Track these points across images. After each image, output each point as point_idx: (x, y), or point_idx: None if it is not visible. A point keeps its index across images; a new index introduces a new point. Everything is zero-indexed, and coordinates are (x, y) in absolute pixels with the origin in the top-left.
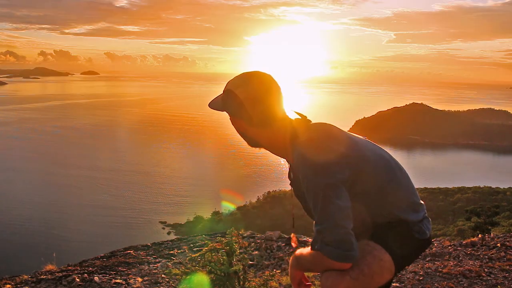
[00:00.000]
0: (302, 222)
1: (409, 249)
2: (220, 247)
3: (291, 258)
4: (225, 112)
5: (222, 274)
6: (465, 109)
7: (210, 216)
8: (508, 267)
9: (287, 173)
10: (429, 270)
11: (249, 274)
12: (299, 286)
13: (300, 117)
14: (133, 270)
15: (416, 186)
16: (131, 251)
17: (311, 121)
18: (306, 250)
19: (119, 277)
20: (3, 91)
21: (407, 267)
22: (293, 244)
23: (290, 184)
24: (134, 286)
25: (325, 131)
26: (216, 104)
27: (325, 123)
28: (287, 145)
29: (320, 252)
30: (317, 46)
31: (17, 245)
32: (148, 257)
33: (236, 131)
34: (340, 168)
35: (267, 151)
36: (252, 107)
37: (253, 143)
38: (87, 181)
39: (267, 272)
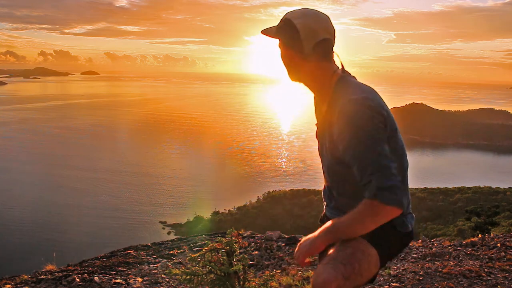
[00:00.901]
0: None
1: (392, 242)
2: (220, 247)
3: (322, 229)
4: (275, 40)
5: (222, 274)
6: (465, 109)
7: (210, 216)
8: (508, 267)
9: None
10: (429, 270)
11: (249, 274)
12: (304, 262)
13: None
14: (133, 270)
15: (416, 186)
16: (131, 251)
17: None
18: (340, 218)
19: (119, 277)
20: (3, 91)
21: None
22: (302, 264)
23: (316, 132)
24: (134, 286)
25: (371, 88)
26: (269, 31)
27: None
28: (329, 86)
29: (370, 204)
30: None
31: (17, 245)
32: (148, 257)
33: (281, 63)
34: (386, 122)
35: (304, 85)
36: (306, 39)
37: (295, 75)
38: (87, 181)
39: (267, 272)
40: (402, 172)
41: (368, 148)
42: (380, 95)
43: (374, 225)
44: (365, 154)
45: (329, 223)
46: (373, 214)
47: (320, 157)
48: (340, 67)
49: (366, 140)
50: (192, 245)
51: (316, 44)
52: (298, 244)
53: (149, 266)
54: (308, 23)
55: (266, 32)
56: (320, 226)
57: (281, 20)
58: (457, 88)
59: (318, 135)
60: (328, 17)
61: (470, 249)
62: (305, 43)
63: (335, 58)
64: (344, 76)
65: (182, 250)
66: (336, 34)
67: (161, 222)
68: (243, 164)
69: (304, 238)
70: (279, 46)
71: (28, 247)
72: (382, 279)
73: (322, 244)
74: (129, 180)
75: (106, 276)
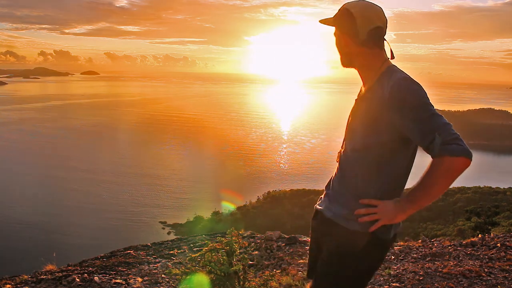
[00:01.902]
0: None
1: (372, 255)
2: (220, 247)
3: (399, 203)
4: (332, 27)
5: (222, 274)
6: (465, 109)
7: (210, 216)
8: (508, 267)
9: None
10: (429, 270)
11: (249, 274)
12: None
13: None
14: (133, 270)
15: None
16: (131, 251)
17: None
18: (414, 187)
19: (119, 277)
20: (3, 91)
21: (393, 262)
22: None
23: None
24: (134, 286)
25: None
26: (327, 20)
27: None
28: (379, 71)
29: (438, 161)
30: (317, 46)
31: (17, 245)
32: (148, 257)
33: (337, 49)
34: None
35: (356, 70)
36: (362, 26)
37: (348, 61)
38: (87, 181)
39: (267, 272)
40: None
41: (427, 111)
42: None
43: (449, 182)
44: (425, 115)
45: (405, 196)
46: (445, 170)
47: (342, 147)
48: (389, 56)
49: (424, 104)
50: (192, 245)
51: (370, 31)
52: (375, 209)
53: (149, 266)
54: (364, 12)
55: (324, 21)
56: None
57: (338, 10)
58: (457, 88)
59: (348, 122)
60: (381, 8)
61: (470, 249)
62: (361, 29)
63: (386, 47)
64: (393, 66)
65: (182, 250)
66: (387, 25)
67: (161, 222)
68: (243, 164)
69: (382, 205)
70: (335, 34)
71: (28, 247)
72: (382, 279)
73: (404, 217)
74: (129, 180)
75: (106, 276)
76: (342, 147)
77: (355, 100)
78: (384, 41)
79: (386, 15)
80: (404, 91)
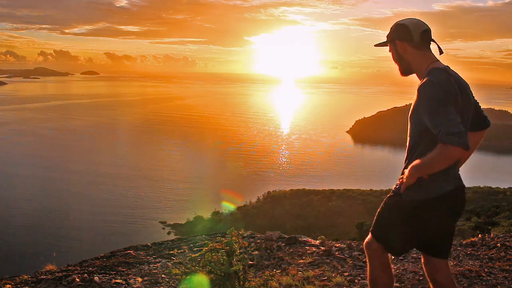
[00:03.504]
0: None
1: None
2: (220, 247)
3: (410, 168)
4: (383, 47)
5: (222, 274)
6: None
7: (210, 216)
8: (508, 267)
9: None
10: None
11: (249, 274)
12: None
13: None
14: (133, 270)
15: None
16: (131, 251)
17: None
18: (423, 158)
19: (119, 277)
20: (3, 91)
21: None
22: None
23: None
24: (134, 286)
25: (449, 75)
26: (381, 43)
27: None
28: (425, 72)
29: (442, 147)
30: (317, 46)
31: (17, 245)
32: (148, 257)
33: (391, 57)
34: (448, 93)
35: (413, 73)
36: (414, 30)
37: (407, 67)
38: (87, 181)
39: (267, 272)
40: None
41: (435, 108)
42: (459, 80)
43: (446, 164)
44: (434, 111)
45: (416, 162)
46: (444, 154)
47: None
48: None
49: (434, 103)
50: (192, 245)
51: (421, 33)
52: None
53: (149, 266)
54: (412, 21)
55: (379, 44)
56: None
57: (390, 29)
58: None
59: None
60: (422, 21)
61: (470, 249)
62: (414, 33)
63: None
64: (435, 69)
65: (182, 250)
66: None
67: (161, 222)
68: (243, 164)
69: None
70: (391, 50)
71: (28, 247)
72: None
73: (413, 180)
74: (129, 180)
75: (106, 276)
76: None
77: None
78: (432, 42)
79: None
80: (422, 91)
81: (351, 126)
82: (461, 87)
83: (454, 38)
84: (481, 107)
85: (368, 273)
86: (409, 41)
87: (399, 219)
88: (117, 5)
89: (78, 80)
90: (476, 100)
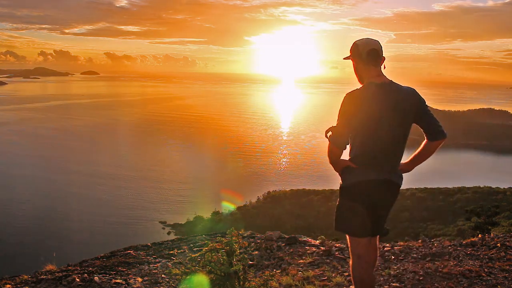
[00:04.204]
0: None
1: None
2: (220, 247)
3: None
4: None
5: (222, 274)
6: (465, 109)
7: (210, 216)
8: (508, 267)
9: None
10: (429, 270)
11: (249, 274)
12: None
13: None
14: (133, 270)
15: (416, 186)
16: (131, 251)
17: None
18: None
19: (119, 277)
20: (3, 91)
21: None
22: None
23: None
24: (134, 286)
25: (370, 89)
26: (347, 56)
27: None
28: (365, 83)
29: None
30: (317, 46)
31: (17, 245)
32: (148, 257)
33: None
34: (351, 106)
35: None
36: (363, 50)
37: (358, 77)
38: (87, 181)
39: (267, 272)
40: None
41: (339, 118)
42: (377, 92)
43: (330, 158)
44: (338, 120)
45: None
46: (328, 150)
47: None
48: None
49: (339, 112)
50: (192, 245)
51: (368, 51)
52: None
53: (149, 266)
54: (363, 40)
55: (345, 58)
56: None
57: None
58: (457, 88)
59: None
60: (378, 41)
61: (470, 249)
62: (362, 51)
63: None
64: (374, 81)
65: (182, 250)
66: (383, 49)
67: (161, 222)
68: (244, 164)
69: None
70: (352, 62)
71: (28, 247)
72: (382, 279)
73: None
74: (129, 179)
75: (106, 276)
76: None
77: None
78: (380, 60)
79: (381, 44)
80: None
81: None
82: (395, 101)
83: (454, 38)
84: (436, 119)
85: (350, 267)
86: (358, 57)
87: (347, 204)
88: (117, 5)
89: (78, 80)
90: (431, 114)
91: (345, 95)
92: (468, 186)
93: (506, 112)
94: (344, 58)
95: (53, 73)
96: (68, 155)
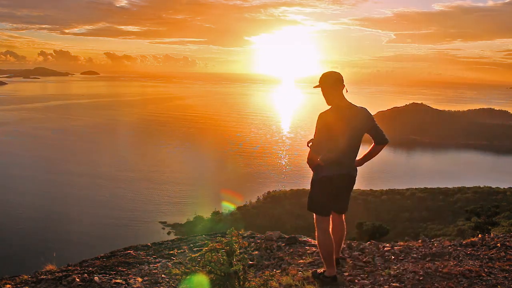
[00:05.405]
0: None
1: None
2: (220, 247)
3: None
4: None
5: (222, 274)
6: (465, 109)
7: (210, 216)
8: (508, 267)
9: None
10: (429, 270)
11: (249, 274)
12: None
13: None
14: (133, 270)
15: (416, 186)
16: (131, 251)
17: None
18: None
19: (119, 277)
20: (3, 91)
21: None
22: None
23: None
24: (134, 286)
25: (335, 110)
26: (318, 84)
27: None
28: (333, 105)
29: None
30: (317, 46)
31: (17, 245)
32: (148, 257)
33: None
34: (323, 124)
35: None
36: (330, 79)
37: (326, 100)
38: (87, 181)
39: (267, 272)
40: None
41: (316, 132)
42: (337, 113)
43: (310, 163)
44: (316, 133)
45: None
46: (308, 157)
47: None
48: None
49: (317, 127)
50: (192, 245)
51: (334, 80)
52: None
53: (149, 266)
54: (329, 73)
55: (315, 86)
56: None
57: (320, 77)
58: (457, 88)
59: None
60: (340, 73)
61: (470, 249)
62: (329, 80)
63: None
64: (338, 103)
65: (182, 250)
66: (343, 79)
67: (161, 222)
68: (244, 164)
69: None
70: (321, 90)
71: (28, 247)
72: (382, 279)
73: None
74: (129, 180)
75: (106, 276)
76: None
77: None
78: (343, 88)
79: (341, 75)
80: (318, 117)
81: None
82: (348, 117)
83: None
84: (381, 130)
85: (316, 238)
86: (326, 85)
87: (318, 191)
88: (117, 5)
89: (78, 80)
90: (377, 126)
91: (319, 114)
92: (468, 186)
93: (506, 112)
94: (314, 87)
95: (53, 73)
96: (68, 155)
